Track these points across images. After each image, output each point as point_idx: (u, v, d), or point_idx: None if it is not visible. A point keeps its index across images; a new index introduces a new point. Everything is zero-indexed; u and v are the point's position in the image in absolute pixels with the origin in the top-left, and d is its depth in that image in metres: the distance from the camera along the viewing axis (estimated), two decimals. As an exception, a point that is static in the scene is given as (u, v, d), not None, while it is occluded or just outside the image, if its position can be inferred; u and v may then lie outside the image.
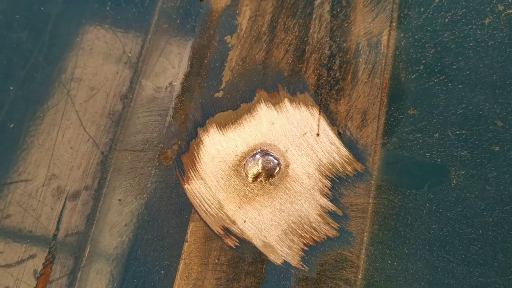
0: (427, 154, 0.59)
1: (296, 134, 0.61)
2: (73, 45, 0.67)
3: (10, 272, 0.59)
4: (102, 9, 0.69)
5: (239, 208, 0.59)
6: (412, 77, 0.62)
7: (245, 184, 0.60)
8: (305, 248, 0.57)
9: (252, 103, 0.63)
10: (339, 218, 0.58)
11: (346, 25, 0.65)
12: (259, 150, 0.60)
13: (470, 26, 0.63)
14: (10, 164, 0.63)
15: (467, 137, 0.59)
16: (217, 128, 0.63)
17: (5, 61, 0.67)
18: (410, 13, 0.65)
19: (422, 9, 0.65)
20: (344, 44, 0.64)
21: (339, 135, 0.61)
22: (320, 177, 0.60)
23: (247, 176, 0.60)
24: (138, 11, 0.69)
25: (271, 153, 0.60)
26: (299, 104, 0.62)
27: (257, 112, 0.63)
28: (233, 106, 0.64)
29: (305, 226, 0.58)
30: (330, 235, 0.58)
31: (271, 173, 0.59)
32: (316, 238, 0.58)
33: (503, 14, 0.63)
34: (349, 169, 0.60)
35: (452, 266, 0.55)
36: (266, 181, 0.59)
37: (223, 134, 0.62)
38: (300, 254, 0.57)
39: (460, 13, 0.63)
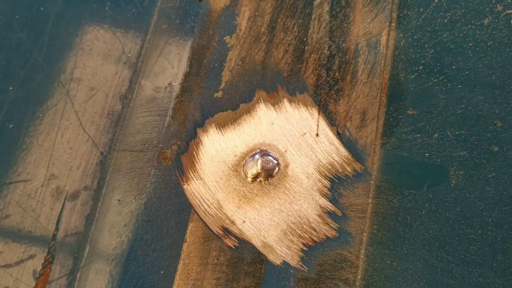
0: (426, 154, 0.59)
1: (295, 134, 0.61)
2: (73, 46, 0.67)
3: (9, 272, 0.59)
4: (101, 9, 0.69)
5: (238, 208, 0.59)
6: (411, 77, 0.62)
7: (244, 184, 0.60)
8: (305, 248, 0.57)
9: (252, 103, 0.63)
10: (338, 218, 0.58)
11: (345, 25, 0.65)
12: (258, 150, 0.60)
13: (469, 26, 0.63)
14: (9, 164, 0.63)
15: (466, 137, 0.59)
16: (216, 128, 0.63)
17: (4, 61, 0.67)
18: (409, 13, 0.65)
19: (421, 9, 0.65)
20: (343, 44, 0.64)
21: (339, 135, 0.61)
22: (319, 177, 0.60)
23: (246, 176, 0.60)
24: (137, 11, 0.69)
25: (270, 153, 0.60)
26: (298, 104, 0.62)
27: (256, 112, 0.63)
28: (233, 106, 0.64)
29: (304, 226, 0.58)
30: (329, 235, 0.58)
31: (270, 173, 0.59)
32: (315, 238, 0.58)
33: (502, 14, 0.63)
34: (348, 169, 0.60)
35: (452, 266, 0.55)
36: (265, 182, 0.59)
37: (222, 134, 0.62)
38: (299, 254, 0.57)
39: (459, 13, 0.63)
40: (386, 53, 0.63)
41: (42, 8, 0.69)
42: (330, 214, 0.58)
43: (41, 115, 0.65)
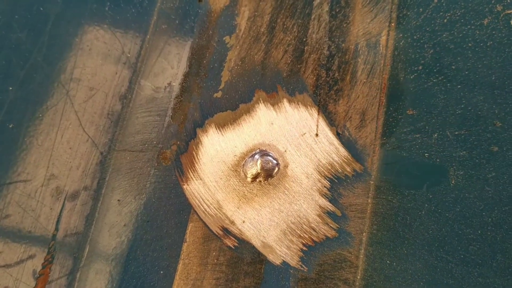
0: (426, 154, 0.59)
1: (295, 135, 0.61)
2: (72, 46, 0.67)
3: (9, 272, 0.59)
4: (101, 9, 0.69)
5: (238, 208, 0.59)
6: (411, 77, 0.62)
7: (244, 185, 0.60)
8: (304, 248, 0.57)
9: (251, 104, 0.63)
10: (338, 219, 0.58)
11: (345, 25, 0.65)
12: (258, 150, 0.60)
13: (469, 27, 0.63)
14: (9, 164, 0.63)
15: (466, 137, 0.59)
16: (216, 129, 0.63)
17: (4, 61, 0.67)
18: (409, 13, 0.65)
19: (421, 9, 0.65)
20: (343, 45, 0.64)
21: (338, 135, 0.61)
22: (319, 177, 0.60)
23: (246, 177, 0.60)
24: (137, 12, 0.69)
25: (270, 154, 0.60)
26: (298, 104, 0.62)
27: (256, 113, 0.63)
28: (232, 106, 0.64)
29: (304, 226, 0.58)
30: (329, 235, 0.58)
31: (270, 174, 0.59)
32: (315, 239, 0.58)
33: (502, 15, 0.63)
34: (348, 169, 0.60)
35: (451, 266, 0.55)
36: (265, 182, 0.59)
37: (222, 134, 0.62)
38: (299, 254, 0.57)
39: (459, 14, 0.63)
40: (385, 53, 0.63)
41: (42, 8, 0.69)
42: (329, 214, 0.58)
43: (41, 115, 0.65)
